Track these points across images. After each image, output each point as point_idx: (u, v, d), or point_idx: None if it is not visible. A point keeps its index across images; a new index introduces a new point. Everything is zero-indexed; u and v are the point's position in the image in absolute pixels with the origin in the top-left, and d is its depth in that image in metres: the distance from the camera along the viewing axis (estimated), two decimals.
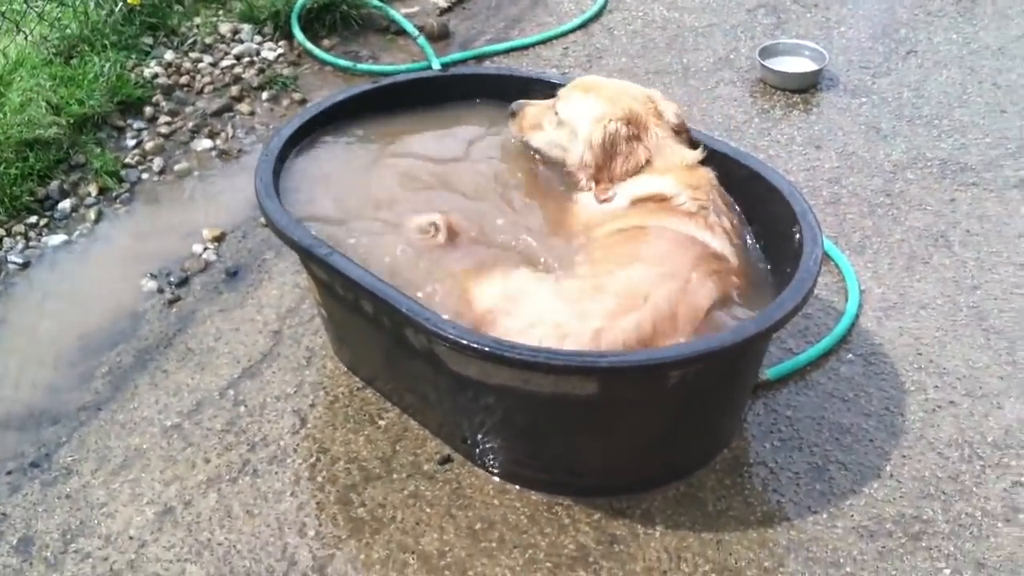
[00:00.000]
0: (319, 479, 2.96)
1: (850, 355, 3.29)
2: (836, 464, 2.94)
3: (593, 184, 3.12)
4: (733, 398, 2.98)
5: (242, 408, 3.20)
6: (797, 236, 2.84)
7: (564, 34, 5.24)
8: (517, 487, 2.91)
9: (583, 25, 5.31)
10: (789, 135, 4.35)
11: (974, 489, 2.86)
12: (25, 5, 4.74)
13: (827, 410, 3.10)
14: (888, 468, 2.92)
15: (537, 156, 3.31)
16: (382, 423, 3.12)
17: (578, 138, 3.16)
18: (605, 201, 3.09)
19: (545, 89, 3.43)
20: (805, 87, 4.66)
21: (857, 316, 3.41)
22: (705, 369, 2.65)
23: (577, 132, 3.16)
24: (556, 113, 3.22)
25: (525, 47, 5.12)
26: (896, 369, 3.23)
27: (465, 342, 2.50)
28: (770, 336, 2.83)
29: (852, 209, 3.90)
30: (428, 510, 2.86)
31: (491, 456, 2.91)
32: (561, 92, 3.27)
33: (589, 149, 3.11)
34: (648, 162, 3.09)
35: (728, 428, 3.03)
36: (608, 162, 3.10)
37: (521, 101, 3.35)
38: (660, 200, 3.01)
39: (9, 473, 3.02)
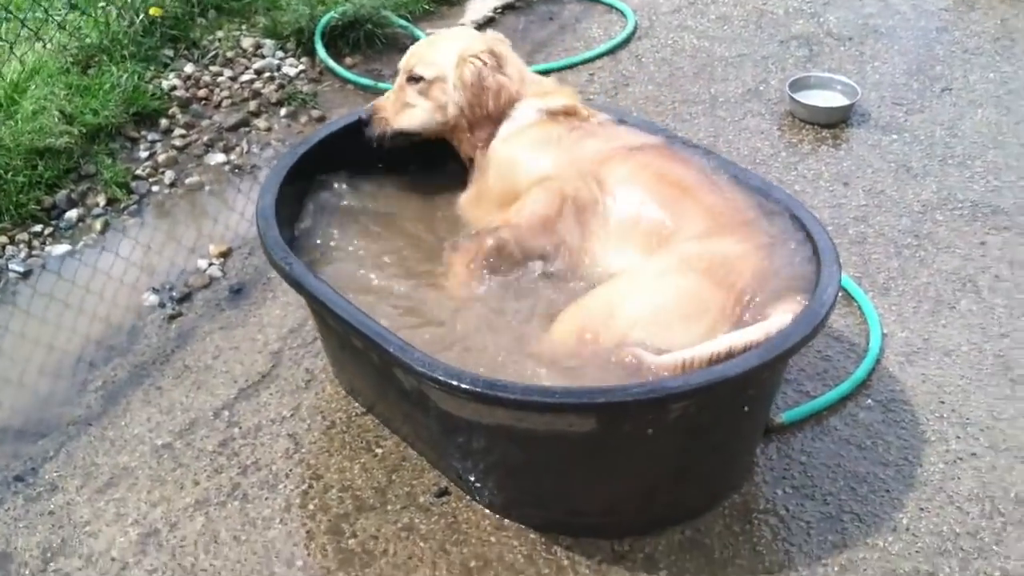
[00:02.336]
0: (310, 507, 2.85)
1: (869, 400, 3.15)
2: (850, 515, 2.80)
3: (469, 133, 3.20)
4: (741, 436, 2.84)
5: (236, 430, 3.10)
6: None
7: (591, 60, 5.16)
8: (516, 524, 2.78)
9: (610, 51, 5.22)
10: (816, 170, 4.23)
11: (994, 547, 2.71)
12: (46, 14, 4.70)
13: (843, 457, 2.96)
14: (905, 521, 2.78)
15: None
16: (379, 451, 3.01)
17: (449, 85, 3.19)
18: (482, 139, 3.18)
19: None
20: (835, 122, 4.53)
21: (878, 360, 3.27)
22: (708, 402, 2.53)
23: (448, 78, 3.19)
24: (417, 80, 3.23)
25: (550, 71, 5.02)
26: (917, 417, 3.09)
27: (455, 383, 2.39)
28: (776, 368, 2.71)
29: (878, 249, 3.76)
30: (422, 544, 2.74)
31: (488, 492, 2.79)
32: (404, 65, 3.30)
33: (461, 90, 3.16)
34: (518, 93, 3.18)
35: (737, 470, 2.89)
36: (481, 99, 3.14)
37: (367, 106, 3.35)
38: (574, 112, 3.18)
39: None
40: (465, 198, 3.26)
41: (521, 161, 3.12)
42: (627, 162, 3.01)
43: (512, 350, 2.69)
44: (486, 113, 3.19)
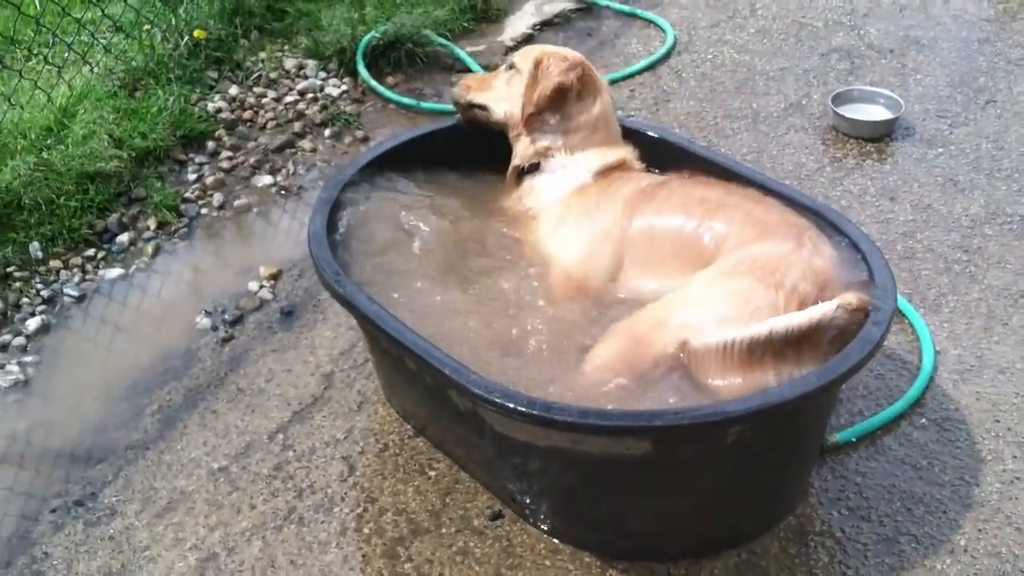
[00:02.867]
0: (366, 530, 2.87)
1: (923, 420, 3.13)
2: (907, 536, 2.78)
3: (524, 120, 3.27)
4: (797, 458, 2.84)
5: (290, 453, 3.12)
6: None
7: (631, 76, 5.16)
8: (570, 547, 2.79)
9: (650, 67, 5.22)
10: (862, 185, 4.21)
11: None
12: (92, 37, 4.76)
13: (898, 478, 2.95)
14: (962, 543, 2.76)
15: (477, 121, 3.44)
16: (432, 474, 3.03)
17: (523, 75, 3.28)
18: (528, 126, 3.26)
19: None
20: (879, 136, 4.52)
21: (931, 378, 3.25)
22: (765, 425, 2.53)
23: (523, 70, 3.29)
24: (510, 67, 3.35)
25: None
26: (972, 436, 3.07)
27: (512, 406, 2.40)
28: (833, 391, 2.71)
29: (927, 265, 3.75)
30: (477, 568, 2.75)
31: (542, 515, 2.80)
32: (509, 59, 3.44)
33: (529, 74, 3.26)
34: (597, 124, 3.27)
35: (793, 492, 2.89)
36: (546, 92, 3.22)
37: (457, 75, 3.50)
38: (622, 166, 3.24)
39: (54, 511, 2.97)
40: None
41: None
42: (656, 196, 3.05)
43: (565, 364, 2.72)
44: (533, 108, 3.24)
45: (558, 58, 3.28)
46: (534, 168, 3.30)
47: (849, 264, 2.81)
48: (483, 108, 3.41)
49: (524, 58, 3.34)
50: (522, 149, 3.31)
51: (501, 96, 3.36)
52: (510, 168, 3.35)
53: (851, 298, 2.55)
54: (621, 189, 3.13)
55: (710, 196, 2.99)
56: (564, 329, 2.87)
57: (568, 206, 3.19)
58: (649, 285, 2.94)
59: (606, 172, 3.22)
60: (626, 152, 3.30)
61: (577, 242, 3.10)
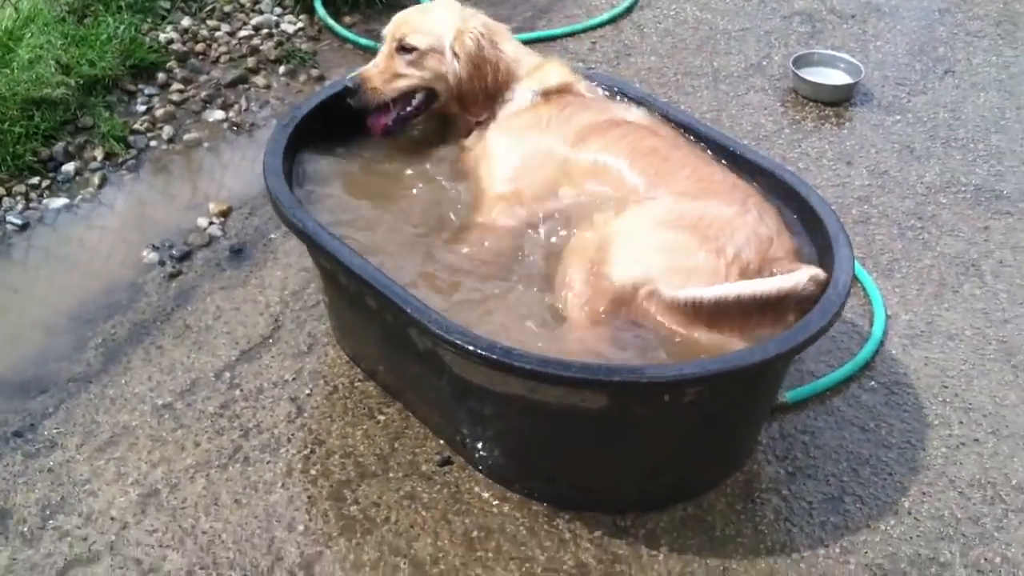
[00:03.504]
0: (312, 472, 2.83)
1: (873, 383, 3.16)
2: (852, 496, 2.81)
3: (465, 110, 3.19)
4: (750, 419, 2.85)
5: (237, 392, 3.07)
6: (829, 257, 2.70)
7: (592, 28, 5.10)
8: (518, 496, 2.78)
9: (612, 20, 5.17)
10: (820, 149, 4.22)
11: (995, 534, 2.73)
12: None
13: (846, 439, 2.97)
14: (906, 505, 2.79)
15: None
16: (381, 418, 2.99)
17: (447, 55, 3.14)
18: (479, 123, 3.17)
19: None
20: (839, 100, 4.52)
21: (882, 342, 3.27)
22: (722, 388, 2.53)
23: (444, 49, 3.14)
24: (409, 51, 3.16)
25: (552, 38, 4.98)
26: (920, 401, 3.10)
27: (472, 348, 2.37)
28: (792, 357, 2.70)
29: (882, 230, 3.76)
30: (424, 513, 2.73)
31: (493, 463, 2.78)
32: (391, 32, 3.22)
33: (459, 61, 3.12)
34: (515, 72, 3.18)
35: (742, 450, 2.90)
36: (481, 72, 3.13)
37: (351, 75, 3.22)
38: (568, 89, 3.18)
39: None
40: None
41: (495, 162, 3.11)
42: (607, 134, 3.02)
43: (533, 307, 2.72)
44: (484, 87, 3.16)
45: (478, 28, 3.16)
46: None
47: (791, 233, 2.82)
48: (422, 94, 3.22)
49: (428, 33, 3.15)
50: (462, 124, 3.25)
51: (430, 78, 3.17)
52: (468, 127, 3.26)
53: (820, 272, 2.59)
54: (576, 115, 3.09)
55: (659, 147, 2.97)
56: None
57: (517, 119, 3.15)
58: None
59: (555, 94, 3.17)
60: (561, 72, 3.23)
61: (516, 154, 3.07)
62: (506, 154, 3.08)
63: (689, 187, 2.83)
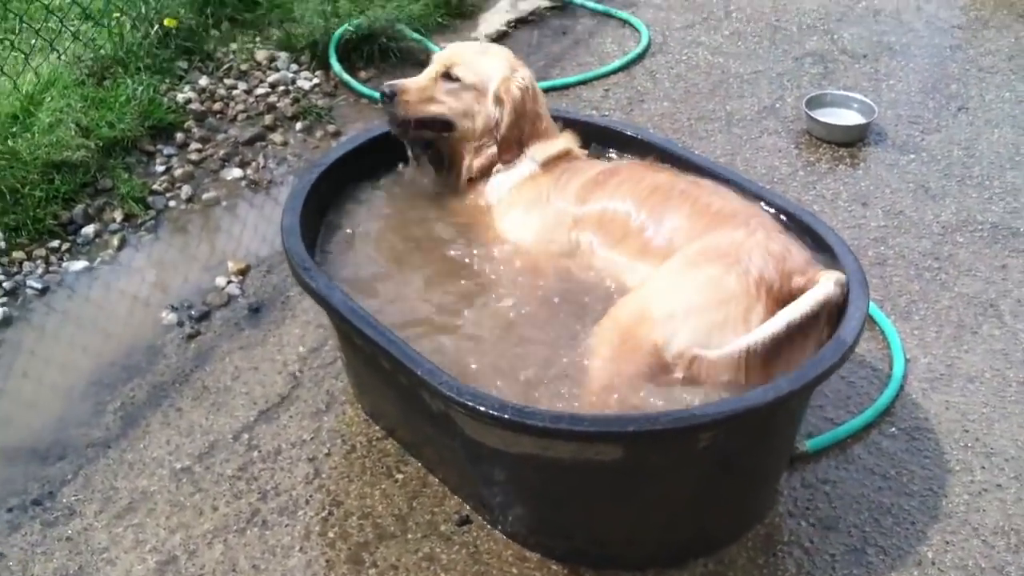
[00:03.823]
0: (330, 535, 2.83)
1: (893, 428, 3.13)
2: (875, 548, 2.78)
3: (496, 150, 3.21)
4: (767, 465, 2.83)
5: (255, 453, 3.08)
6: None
7: (605, 75, 5.13)
8: (537, 555, 2.76)
9: (625, 67, 5.20)
10: (835, 190, 4.21)
11: None
12: (61, 24, 4.68)
13: (867, 487, 2.94)
14: (930, 555, 2.76)
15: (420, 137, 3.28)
16: (400, 477, 2.99)
17: (487, 98, 3.18)
18: (507, 162, 3.21)
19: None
20: (852, 141, 4.52)
21: (902, 387, 3.25)
22: (736, 430, 2.51)
23: (487, 92, 3.19)
24: (454, 80, 3.21)
25: (566, 87, 5.02)
26: (941, 446, 3.07)
27: (483, 409, 2.37)
28: (805, 396, 2.69)
29: (899, 272, 3.75)
30: (443, 575, 2.72)
31: (511, 521, 2.77)
32: (442, 58, 3.27)
33: (501, 108, 3.16)
34: (535, 120, 3.24)
35: (762, 500, 2.88)
36: (520, 123, 3.17)
37: (392, 83, 3.25)
38: (567, 155, 3.23)
39: (10, 510, 2.91)
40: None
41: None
42: (607, 184, 3.06)
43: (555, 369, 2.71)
44: (520, 137, 3.20)
45: (527, 81, 3.22)
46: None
47: (799, 243, 2.84)
48: (442, 123, 3.25)
49: (476, 71, 3.21)
50: (479, 161, 3.26)
51: (460, 111, 3.21)
52: (463, 176, 3.29)
53: (838, 274, 2.63)
54: (572, 181, 3.14)
55: (660, 184, 3.00)
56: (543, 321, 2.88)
57: (520, 194, 3.19)
58: (609, 257, 2.98)
59: (553, 162, 3.22)
60: (568, 141, 3.29)
61: (529, 226, 3.11)
62: (519, 225, 3.15)
63: (695, 222, 2.85)
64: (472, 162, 3.26)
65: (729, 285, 2.62)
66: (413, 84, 3.24)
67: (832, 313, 2.62)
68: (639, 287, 2.80)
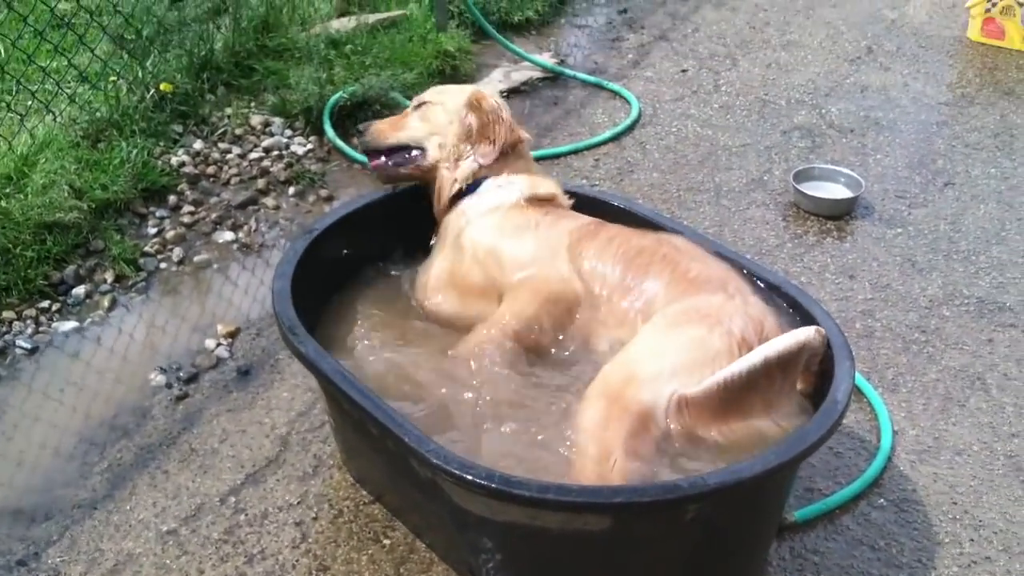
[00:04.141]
0: None
1: (882, 500, 3.13)
2: None
3: (475, 157, 3.30)
4: (756, 537, 2.82)
5: (242, 516, 3.06)
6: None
7: (596, 145, 5.20)
8: None
9: (615, 138, 5.27)
10: (822, 263, 4.25)
11: None
12: (57, 87, 4.72)
13: (856, 558, 2.94)
14: None
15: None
16: (387, 542, 2.97)
17: (458, 111, 3.31)
18: (485, 165, 3.28)
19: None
20: (840, 214, 4.57)
21: (890, 458, 3.26)
22: (725, 502, 2.50)
23: (457, 105, 3.32)
24: (420, 105, 3.39)
25: (556, 156, 5.07)
26: (929, 518, 3.07)
27: (469, 478, 2.36)
28: (794, 468, 2.69)
29: (886, 344, 3.77)
30: None
31: None
32: (416, 97, 3.48)
33: (474, 112, 3.28)
34: (520, 145, 3.36)
35: (751, 570, 2.86)
36: (495, 127, 3.27)
37: (362, 124, 3.52)
38: (553, 200, 3.30)
39: None
40: (435, 275, 3.26)
41: (503, 251, 3.16)
42: (597, 238, 3.11)
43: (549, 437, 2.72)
44: (496, 141, 3.28)
45: (487, 98, 3.35)
46: (466, 191, 3.34)
47: (774, 309, 2.89)
48: (414, 148, 3.39)
49: (442, 92, 3.44)
50: (460, 173, 3.32)
51: (429, 132, 3.35)
52: (446, 193, 3.35)
53: (821, 328, 2.64)
54: (562, 221, 3.19)
55: (645, 246, 3.04)
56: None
57: (506, 217, 3.22)
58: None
59: (538, 202, 3.27)
60: (557, 187, 3.37)
61: (523, 247, 3.14)
62: (508, 252, 3.16)
63: (675, 288, 2.90)
64: (453, 174, 3.33)
65: (713, 344, 2.65)
66: (386, 119, 3.49)
67: (812, 365, 2.65)
68: (623, 351, 2.81)
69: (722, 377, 2.53)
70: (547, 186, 3.34)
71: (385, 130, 3.43)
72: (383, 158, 3.45)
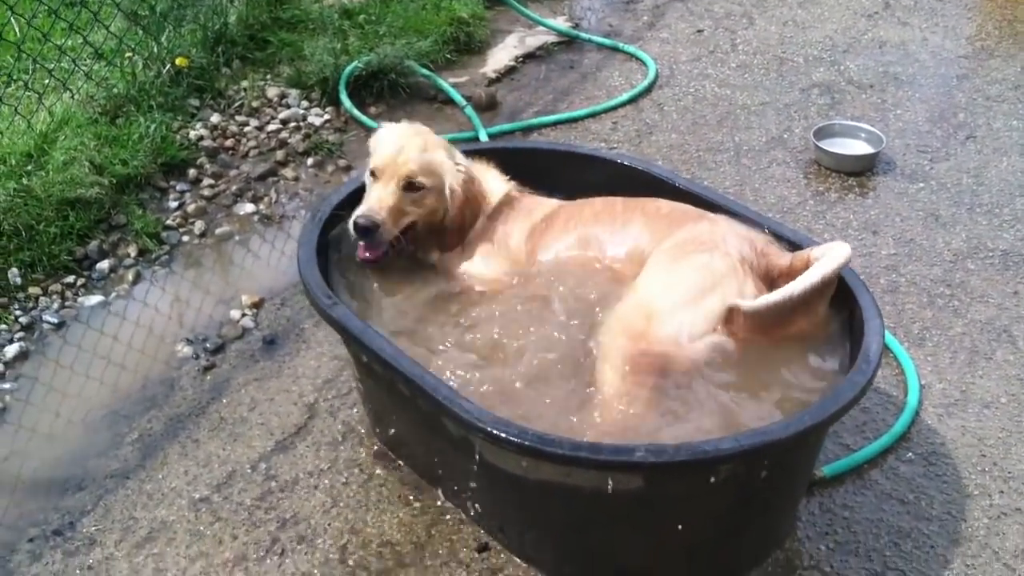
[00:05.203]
0: (350, 563, 2.83)
1: (910, 454, 3.13)
2: (895, 571, 2.77)
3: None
4: (787, 494, 2.82)
5: (273, 483, 3.08)
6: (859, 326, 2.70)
7: (613, 108, 5.18)
8: None
9: (633, 100, 5.24)
10: (845, 219, 4.23)
11: None
12: (73, 64, 4.73)
13: (885, 512, 2.94)
14: None
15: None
16: (418, 505, 2.99)
17: (446, 194, 3.16)
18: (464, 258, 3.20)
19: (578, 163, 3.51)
20: (861, 170, 4.54)
21: (917, 413, 3.25)
22: (756, 463, 2.51)
23: (444, 188, 3.16)
24: (417, 188, 3.12)
25: (574, 120, 5.06)
26: (958, 471, 3.06)
27: (504, 436, 2.37)
28: (826, 429, 2.69)
29: (911, 299, 3.76)
30: None
31: (530, 548, 2.77)
32: (398, 170, 3.10)
33: (454, 198, 3.16)
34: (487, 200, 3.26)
35: (782, 527, 2.87)
36: (464, 211, 3.18)
37: (363, 214, 3.07)
38: (511, 202, 3.26)
39: (31, 540, 2.92)
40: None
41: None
42: (559, 215, 3.16)
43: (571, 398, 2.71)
44: (461, 224, 3.19)
45: (467, 168, 3.21)
46: None
47: (752, 225, 2.97)
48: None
49: (433, 173, 3.13)
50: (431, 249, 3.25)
51: (427, 213, 3.15)
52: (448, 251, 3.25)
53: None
54: (513, 232, 3.20)
55: (599, 209, 3.10)
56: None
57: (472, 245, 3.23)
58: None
59: (495, 211, 3.25)
60: (504, 185, 3.31)
61: (487, 267, 3.16)
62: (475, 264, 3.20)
63: (655, 225, 2.98)
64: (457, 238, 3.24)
65: (717, 267, 2.74)
66: (383, 209, 3.08)
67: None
68: (632, 291, 2.82)
69: (782, 295, 2.64)
70: (494, 192, 3.29)
71: (391, 225, 3.08)
72: (378, 250, 3.12)
